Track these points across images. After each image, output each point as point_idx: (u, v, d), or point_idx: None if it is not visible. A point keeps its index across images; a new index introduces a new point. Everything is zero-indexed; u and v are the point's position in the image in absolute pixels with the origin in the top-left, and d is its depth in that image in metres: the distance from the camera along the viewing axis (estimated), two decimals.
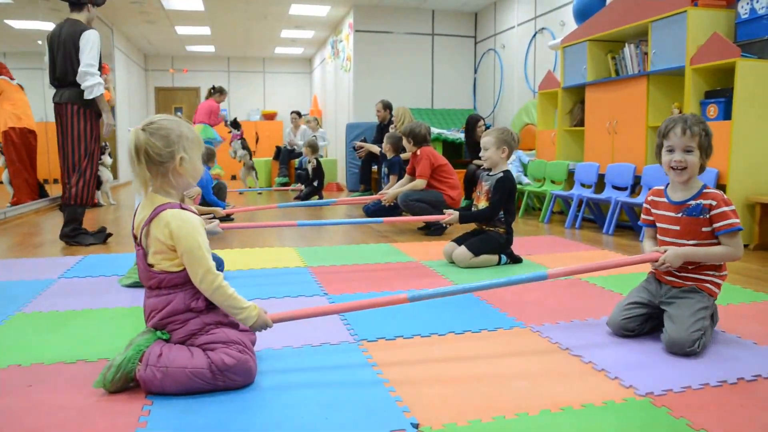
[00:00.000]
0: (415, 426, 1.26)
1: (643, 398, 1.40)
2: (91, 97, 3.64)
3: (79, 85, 3.64)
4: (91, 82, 3.61)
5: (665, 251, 1.78)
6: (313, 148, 7.24)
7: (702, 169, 1.79)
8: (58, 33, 3.69)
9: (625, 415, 1.32)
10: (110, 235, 3.95)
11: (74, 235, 3.76)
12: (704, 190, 1.78)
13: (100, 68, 3.75)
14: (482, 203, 3.09)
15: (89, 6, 3.78)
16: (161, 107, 12.27)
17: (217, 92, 7.52)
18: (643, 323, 1.86)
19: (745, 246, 3.55)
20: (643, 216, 1.95)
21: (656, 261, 1.79)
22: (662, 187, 1.88)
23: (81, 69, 3.59)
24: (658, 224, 1.87)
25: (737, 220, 1.74)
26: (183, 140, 1.45)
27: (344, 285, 2.59)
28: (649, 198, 1.91)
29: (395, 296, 1.75)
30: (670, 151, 1.79)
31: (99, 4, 3.88)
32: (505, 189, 3.00)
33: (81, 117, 3.69)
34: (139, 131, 1.42)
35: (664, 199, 1.85)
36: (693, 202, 1.77)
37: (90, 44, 3.61)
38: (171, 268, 1.45)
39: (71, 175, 3.80)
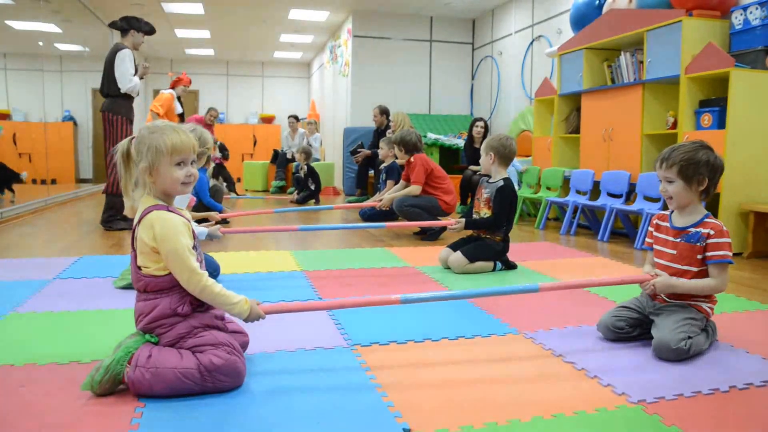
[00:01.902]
0: (407, 431, 1.27)
1: (636, 405, 1.41)
2: (136, 95, 4.59)
3: (113, 96, 4.49)
4: (129, 85, 4.47)
5: (657, 276, 1.83)
6: (307, 154, 7.26)
7: (703, 196, 1.83)
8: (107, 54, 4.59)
9: (617, 423, 1.33)
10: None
11: (110, 221, 4.49)
12: (705, 219, 1.83)
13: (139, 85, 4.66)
14: (482, 210, 3.10)
15: (133, 31, 4.57)
16: None
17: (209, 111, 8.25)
18: (633, 326, 1.89)
19: (739, 254, 3.57)
20: (646, 239, 2.01)
21: (646, 282, 1.84)
22: (668, 213, 1.93)
23: (119, 81, 4.44)
24: (655, 247, 1.92)
25: (729, 253, 1.79)
26: (150, 151, 1.46)
27: (339, 289, 2.60)
28: (654, 221, 1.96)
29: (388, 297, 1.75)
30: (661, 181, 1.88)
31: (143, 31, 4.63)
32: (507, 198, 3.01)
33: (113, 122, 4.48)
34: (127, 141, 1.52)
35: (667, 224, 1.90)
36: (693, 230, 1.82)
37: (123, 61, 4.47)
38: (156, 272, 1.46)
39: (108, 169, 4.55)
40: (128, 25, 4.55)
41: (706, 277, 1.82)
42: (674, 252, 1.85)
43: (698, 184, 1.80)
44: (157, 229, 1.43)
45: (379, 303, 1.79)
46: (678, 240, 1.84)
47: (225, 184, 7.69)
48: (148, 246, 1.44)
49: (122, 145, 1.51)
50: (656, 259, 1.91)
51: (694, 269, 1.81)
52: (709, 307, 1.85)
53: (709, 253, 1.79)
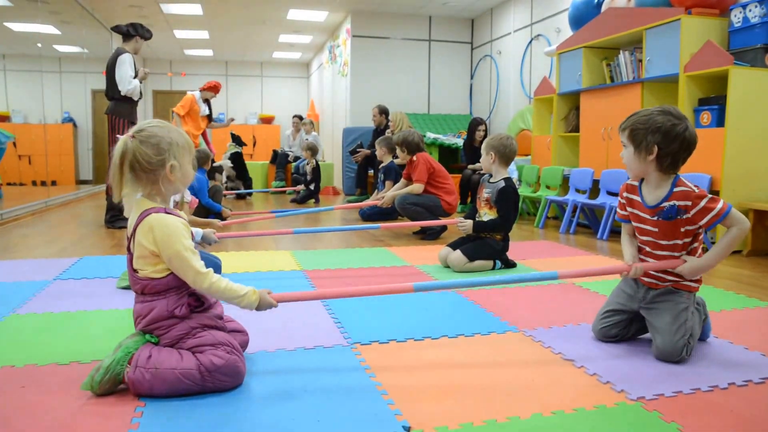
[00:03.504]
0: (407, 429, 1.27)
1: (635, 402, 1.41)
2: (136, 97, 4.67)
3: (116, 99, 4.64)
4: (128, 87, 4.59)
5: (685, 262, 1.71)
6: (313, 150, 7.28)
7: (659, 166, 1.67)
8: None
9: (616, 420, 1.33)
10: None
11: (113, 220, 4.65)
12: (674, 189, 1.68)
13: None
14: (483, 209, 3.10)
15: (137, 37, 4.79)
16: (159, 110, 12.28)
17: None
18: (626, 328, 1.85)
19: (738, 252, 3.57)
20: (619, 211, 1.85)
21: (673, 268, 1.72)
22: (635, 183, 1.78)
23: (119, 84, 4.58)
24: (634, 223, 1.81)
25: (721, 204, 1.63)
26: (173, 147, 1.45)
27: (339, 288, 2.60)
28: (624, 194, 1.82)
29: (401, 285, 1.74)
30: None
31: (145, 38, 4.85)
32: (511, 199, 3.02)
33: (115, 125, 4.64)
34: (128, 139, 1.43)
35: (638, 198, 1.76)
36: (666, 204, 1.68)
37: (123, 64, 4.62)
38: (153, 274, 1.45)
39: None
40: (135, 31, 4.79)
41: (694, 243, 1.71)
42: (656, 230, 1.73)
43: (647, 153, 1.64)
44: (158, 232, 1.42)
45: (394, 291, 1.75)
46: (656, 218, 1.71)
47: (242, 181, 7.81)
48: (148, 249, 1.43)
49: (125, 145, 1.42)
50: (639, 236, 1.80)
51: (680, 241, 1.71)
52: (695, 284, 1.76)
53: (703, 221, 1.64)
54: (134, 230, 1.45)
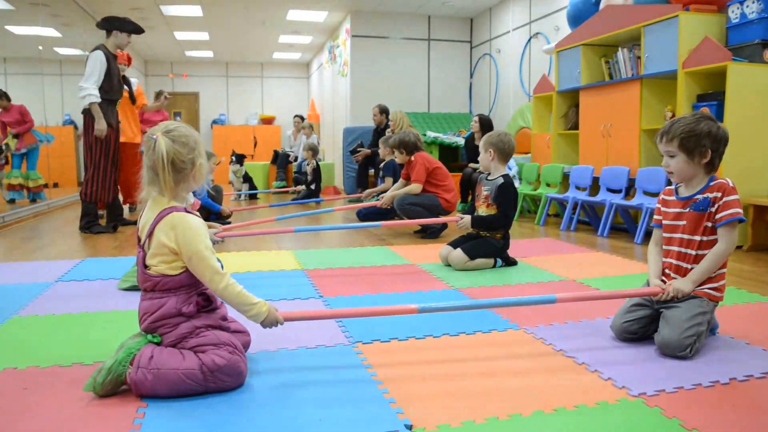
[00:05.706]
0: (409, 427, 1.27)
1: (636, 399, 1.41)
2: (83, 105, 4.26)
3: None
4: (81, 94, 4.24)
5: (670, 284, 1.77)
6: (314, 150, 7.28)
7: (708, 168, 1.77)
8: None
9: (618, 416, 1.33)
10: (117, 225, 4.62)
11: (89, 226, 4.47)
12: (710, 183, 1.77)
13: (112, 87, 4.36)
14: (481, 207, 3.11)
15: (115, 32, 4.43)
16: None
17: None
18: (647, 325, 1.83)
19: (740, 247, 3.57)
20: (654, 216, 1.95)
21: (664, 293, 1.77)
22: (674, 187, 1.88)
23: (79, 84, 4.23)
24: (664, 222, 1.86)
25: (739, 210, 1.73)
26: (199, 146, 1.49)
27: (340, 288, 2.60)
28: (661, 197, 1.91)
29: (405, 306, 1.73)
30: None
31: (127, 31, 4.46)
32: (510, 196, 3.02)
33: (88, 126, 4.33)
34: (166, 139, 1.43)
35: (674, 197, 1.85)
36: (700, 197, 1.76)
37: (89, 63, 4.26)
38: (168, 271, 1.46)
39: (85, 178, 4.47)
40: (109, 25, 4.41)
41: (713, 244, 1.75)
42: (684, 222, 1.79)
43: (701, 157, 1.74)
44: (180, 231, 1.43)
45: (396, 312, 1.74)
46: (686, 210, 1.79)
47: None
48: (168, 247, 1.44)
49: (166, 144, 1.42)
50: (666, 234, 1.85)
51: (697, 238, 1.76)
52: (717, 293, 1.78)
53: (719, 215, 1.72)
54: (152, 228, 1.46)
